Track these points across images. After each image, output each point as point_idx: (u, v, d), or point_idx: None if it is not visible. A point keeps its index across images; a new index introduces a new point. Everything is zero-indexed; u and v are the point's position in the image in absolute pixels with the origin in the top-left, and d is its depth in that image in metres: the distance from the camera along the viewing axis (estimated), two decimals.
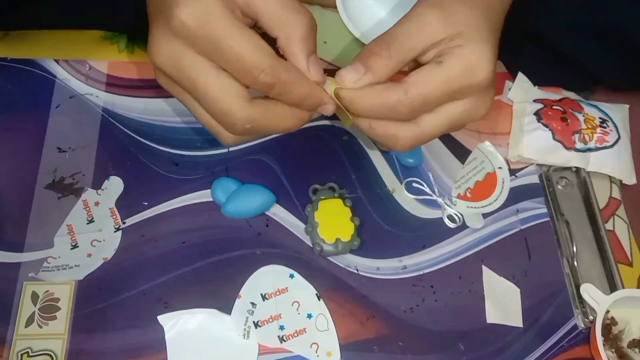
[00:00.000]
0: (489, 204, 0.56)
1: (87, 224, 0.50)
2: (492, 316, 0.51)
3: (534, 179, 0.58)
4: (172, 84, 0.38)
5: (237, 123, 0.37)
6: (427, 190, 0.54)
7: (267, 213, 0.52)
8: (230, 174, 0.53)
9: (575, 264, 0.54)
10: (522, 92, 0.61)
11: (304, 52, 0.36)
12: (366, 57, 0.38)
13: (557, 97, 0.61)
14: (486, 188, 0.57)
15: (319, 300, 0.49)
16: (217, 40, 0.33)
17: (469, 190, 0.56)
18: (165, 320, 0.46)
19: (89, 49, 0.58)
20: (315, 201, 0.51)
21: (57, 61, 0.56)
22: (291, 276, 0.49)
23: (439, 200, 0.54)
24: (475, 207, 0.55)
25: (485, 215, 0.55)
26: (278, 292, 0.49)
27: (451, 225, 0.54)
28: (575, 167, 0.58)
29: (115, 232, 0.50)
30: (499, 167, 0.58)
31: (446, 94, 0.39)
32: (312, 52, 0.37)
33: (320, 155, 0.56)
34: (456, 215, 0.54)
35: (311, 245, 0.51)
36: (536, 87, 0.62)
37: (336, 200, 0.52)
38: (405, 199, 0.55)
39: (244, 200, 0.51)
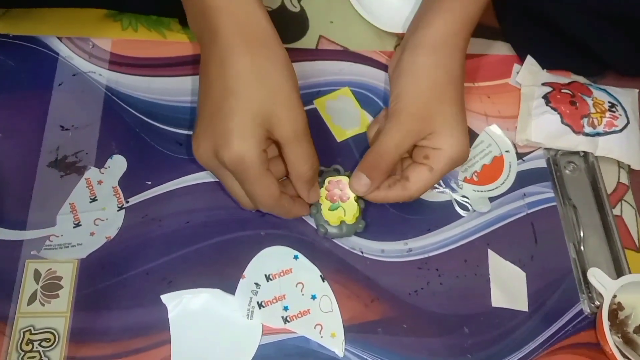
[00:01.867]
0: (496, 188, 0.55)
1: (90, 202, 0.49)
2: (498, 300, 0.50)
3: (542, 163, 0.58)
4: None
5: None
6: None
7: None
8: None
9: (582, 248, 0.53)
10: (530, 75, 0.61)
11: (307, 189, 0.48)
12: (369, 170, 0.48)
13: (566, 80, 0.60)
14: (493, 171, 0.56)
15: (324, 281, 0.48)
16: (245, 178, 0.43)
17: (476, 174, 0.56)
18: (169, 299, 0.46)
19: (92, 26, 0.57)
20: (320, 183, 0.51)
21: (60, 39, 0.56)
22: (295, 257, 0.49)
23: (446, 191, 0.54)
24: (481, 191, 0.55)
25: (491, 199, 0.55)
26: (282, 273, 0.48)
27: (463, 213, 0.53)
28: (583, 151, 0.58)
29: (118, 211, 0.49)
30: (506, 151, 0.57)
31: (444, 174, 0.49)
32: (313, 185, 0.48)
33: (325, 137, 0.55)
34: (466, 202, 0.54)
35: (315, 227, 0.50)
36: (544, 70, 0.61)
37: (343, 178, 0.50)
38: None
39: None
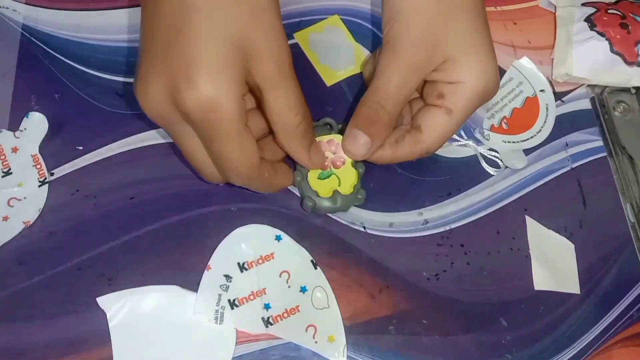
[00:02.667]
0: (531, 137, 0.44)
1: (2, 177, 0.38)
2: (541, 281, 0.40)
3: (586, 104, 0.46)
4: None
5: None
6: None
7: None
8: None
9: None
10: None
11: (304, 147, 0.35)
12: (366, 125, 0.36)
13: None
14: (526, 117, 0.45)
15: (316, 268, 0.37)
16: (215, 134, 0.31)
17: (505, 121, 0.44)
18: (109, 302, 0.35)
19: None
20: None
21: None
22: (278, 238, 0.38)
23: (469, 143, 0.42)
24: (513, 142, 0.43)
25: (526, 152, 0.43)
26: (261, 259, 0.37)
27: (492, 171, 0.42)
28: (635, 88, 0.46)
29: (40, 186, 0.38)
30: (541, 90, 0.46)
31: (456, 127, 0.37)
32: (312, 142, 0.36)
33: (310, 81, 0.43)
34: (495, 157, 0.42)
35: (300, 200, 0.39)
36: None
37: (336, 137, 0.39)
38: None
39: None
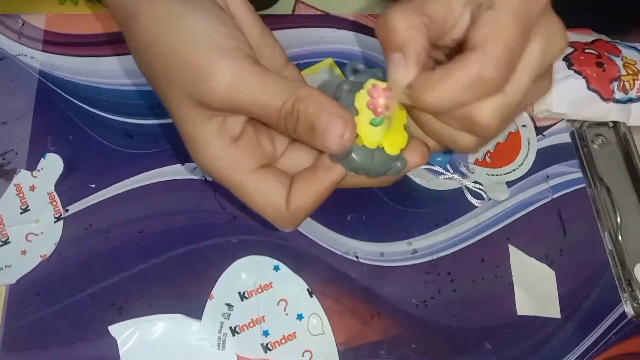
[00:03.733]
0: (514, 170, 0.46)
1: (21, 213, 0.40)
2: (524, 307, 0.42)
3: (565, 138, 0.49)
4: None
5: None
6: (438, 168, 0.45)
7: None
8: None
9: (620, 238, 0.45)
10: None
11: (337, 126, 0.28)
12: (401, 44, 0.28)
13: (589, 38, 0.51)
14: (509, 151, 0.47)
15: (311, 296, 0.40)
16: (234, 191, 0.31)
17: (489, 154, 0.47)
18: (120, 330, 0.37)
19: (22, 1, 0.47)
20: (355, 83, 0.31)
21: None
22: (276, 268, 0.40)
23: (455, 177, 0.45)
24: (497, 175, 0.46)
25: (509, 184, 0.46)
26: (260, 288, 0.39)
27: (476, 203, 0.44)
28: (612, 122, 0.49)
29: (55, 222, 0.40)
30: (523, 125, 0.48)
31: (521, 33, 0.27)
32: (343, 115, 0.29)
33: None
34: (479, 189, 0.45)
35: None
36: None
37: None
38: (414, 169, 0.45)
39: None
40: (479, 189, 0.45)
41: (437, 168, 0.45)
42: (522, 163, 0.47)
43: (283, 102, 0.28)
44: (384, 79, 0.30)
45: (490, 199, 0.45)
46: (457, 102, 0.28)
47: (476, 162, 0.46)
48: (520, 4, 0.27)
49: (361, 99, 0.30)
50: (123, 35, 0.34)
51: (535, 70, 0.29)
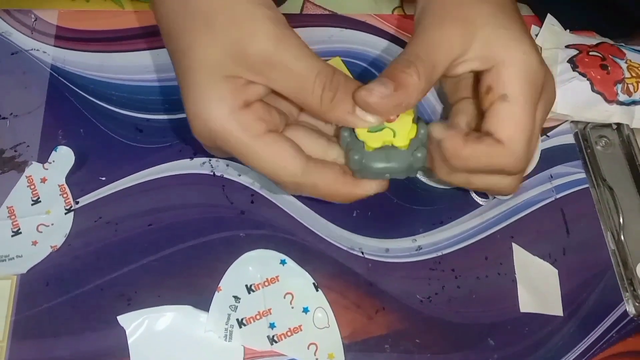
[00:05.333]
0: None
1: (32, 205, 0.41)
2: (527, 304, 0.42)
3: (569, 139, 0.49)
4: None
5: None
6: None
7: (252, 187, 0.43)
8: None
9: (622, 238, 0.45)
10: (552, 36, 0.52)
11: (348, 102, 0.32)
12: (394, 73, 0.32)
13: (594, 41, 0.52)
14: None
15: (317, 290, 0.40)
16: (241, 157, 0.32)
17: None
18: (128, 320, 0.38)
19: None
20: None
21: None
22: (282, 262, 0.41)
23: None
24: None
25: None
26: (267, 282, 0.40)
27: (481, 201, 0.45)
28: (616, 123, 0.49)
29: (66, 214, 0.41)
30: None
31: (533, 113, 0.33)
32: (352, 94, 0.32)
33: None
34: None
35: (346, 160, 0.34)
36: (567, 31, 0.53)
37: None
38: None
39: None
40: None
41: None
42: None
43: (318, 71, 0.31)
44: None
45: (494, 197, 0.45)
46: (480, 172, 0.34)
47: None
48: (529, 90, 0.33)
49: None
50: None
51: (541, 124, 0.35)
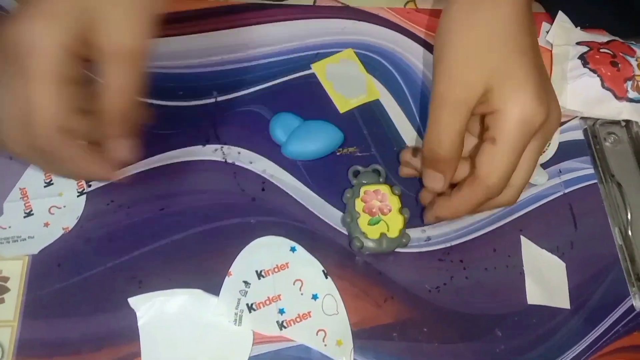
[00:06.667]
0: (544, 151, 0.47)
1: (45, 187, 0.41)
2: (534, 296, 0.42)
3: (578, 135, 0.50)
4: None
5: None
6: None
7: (263, 175, 0.43)
8: (217, 129, 0.44)
9: (630, 233, 0.45)
10: (563, 33, 0.52)
11: (115, 127, 0.35)
12: (432, 164, 0.39)
13: (604, 39, 0.52)
14: None
15: (326, 278, 0.40)
16: (23, 69, 0.30)
17: None
18: (139, 303, 0.38)
19: None
20: (356, 186, 0.43)
21: None
22: (292, 249, 0.41)
23: None
24: None
25: (544, 166, 0.47)
26: (277, 268, 0.40)
27: None
28: (625, 121, 0.50)
29: (78, 196, 0.41)
30: None
31: (517, 156, 0.37)
32: (120, 129, 0.35)
33: (325, 108, 0.47)
34: None
35: (348, 238, 0.42)
36: (578, 28, 0.53)
37: (382, 187, 0.43)
38: None
39: (308, 138, 0.44)
40: None
41: None
42: (549, 143, 0.47)
43: None
44: (376, 179, 0.43)
45: (530, 184, 0.46)
46: (471, 213, 0.40)
47: None
48: (518, 136, 0.36)
49: (359, 205, 0.42)
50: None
51: (535, 160, 0.39)
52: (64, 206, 0.41)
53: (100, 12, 0.31)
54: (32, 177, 0.41)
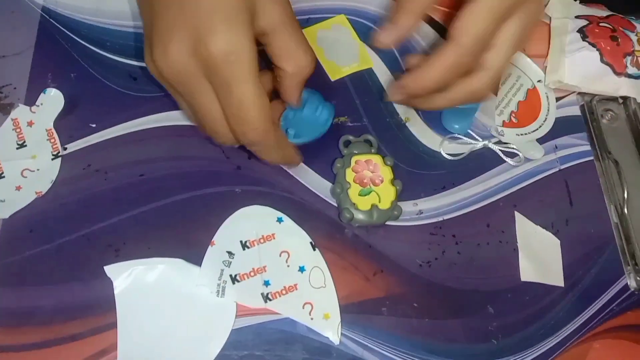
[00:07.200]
0: (540, 127, 0.46)
1: (17, 149, 0.39)
2: (527, 273, 0.41)
3: (575, 111, 0.48)
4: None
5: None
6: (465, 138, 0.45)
7: None
8: None
9: (626, 212, 0.44)
10: (562, 6, 0.51)
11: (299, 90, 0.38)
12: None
13: (604, 14, 0.51)
14: (531, 108, 0.47)
15: (314, 250, 0.39)
16: (232, 82, 0.32)
17: (514, 115, 0.46)
18: (116, 271, 0.36)
19: None
20: (346, 156, 0.41)
21: None
22: (279, 220, 0.39)
23: (486, 143, 0.44)
24: (526, 134, 0.46)
25: (540, 141, 0.46)
26: (262, 239, 0.38)
27: (512, 162, 0.44)
28: (622, 98, 0.48)
29: (52, 159, 0.39)
30: (539, 81, 0.48)
31: (493, 20, 0.36)
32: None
33: (315, 75, 0.44)
34: (512, 148, 0.44)
35: (337, 210, 0.40)
36: (577, 1, 0.51)
37: (374, 157, 0.41)
38: (421, 130, 0.44)
39: (301, 133, 0.40)
40: (512, 148, 0.44)
41: (458, 135, 0.44)
42: (546, 118, 0.46)
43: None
44: (368, 149, 0.42)
45: (525, 158, 0.44)
46: (445, 82, 0.38)
47: (504, 124, 0.45)
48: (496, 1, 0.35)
49: (349, 175, 0.40)
50: None
51: (512, 43, 0.38)
52: (38, 169, 0.38)
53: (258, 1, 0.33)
54: (4, 138, 0.39)
